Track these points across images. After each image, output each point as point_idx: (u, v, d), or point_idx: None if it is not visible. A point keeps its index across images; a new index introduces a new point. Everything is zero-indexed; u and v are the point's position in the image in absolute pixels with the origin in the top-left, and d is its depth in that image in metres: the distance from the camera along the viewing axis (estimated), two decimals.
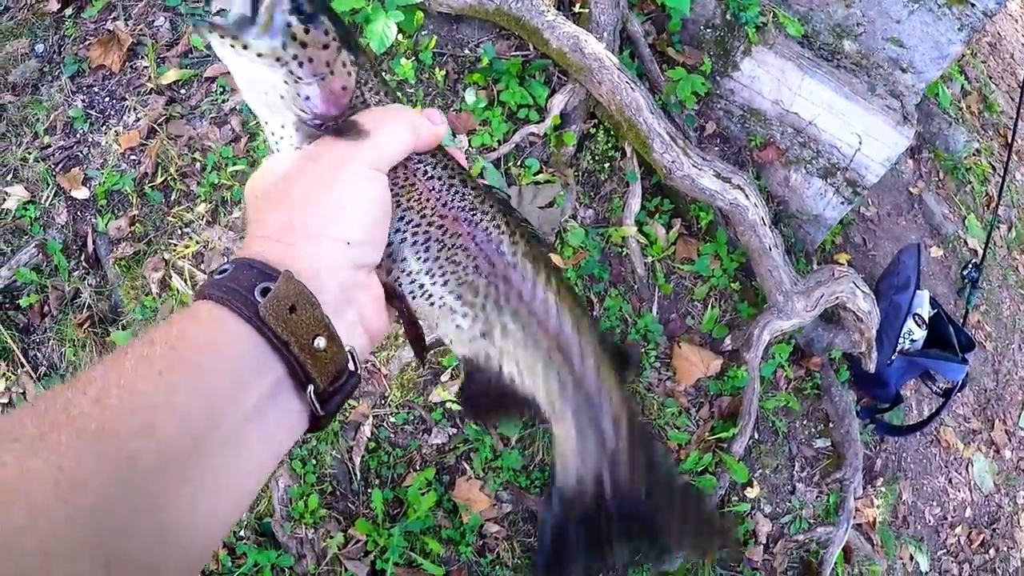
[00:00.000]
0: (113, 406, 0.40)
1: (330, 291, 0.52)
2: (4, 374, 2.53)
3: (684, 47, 2.93)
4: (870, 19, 3.11)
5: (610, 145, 2.61)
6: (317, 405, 0.49)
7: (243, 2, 0.55)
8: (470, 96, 2.49)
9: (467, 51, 2.58)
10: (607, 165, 2.61)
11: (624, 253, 2.57)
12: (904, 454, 3.11)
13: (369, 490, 2.34)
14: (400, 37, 2.51)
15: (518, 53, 2.58)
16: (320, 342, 0.49)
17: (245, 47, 0.56)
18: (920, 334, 2.95)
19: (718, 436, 2.56)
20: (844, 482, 2.82)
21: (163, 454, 0.41)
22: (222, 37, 0.56)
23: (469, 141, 2.48)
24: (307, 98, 0.58)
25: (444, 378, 2.37)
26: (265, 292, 0.48)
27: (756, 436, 2.70)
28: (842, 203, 3.07)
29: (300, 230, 0.52)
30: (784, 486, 2.73)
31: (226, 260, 0.51)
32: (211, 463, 0.43)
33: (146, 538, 0.39)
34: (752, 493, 2.64)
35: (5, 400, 2.52)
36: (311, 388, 0.49)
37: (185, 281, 2.41)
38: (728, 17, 2.98)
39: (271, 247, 0.52)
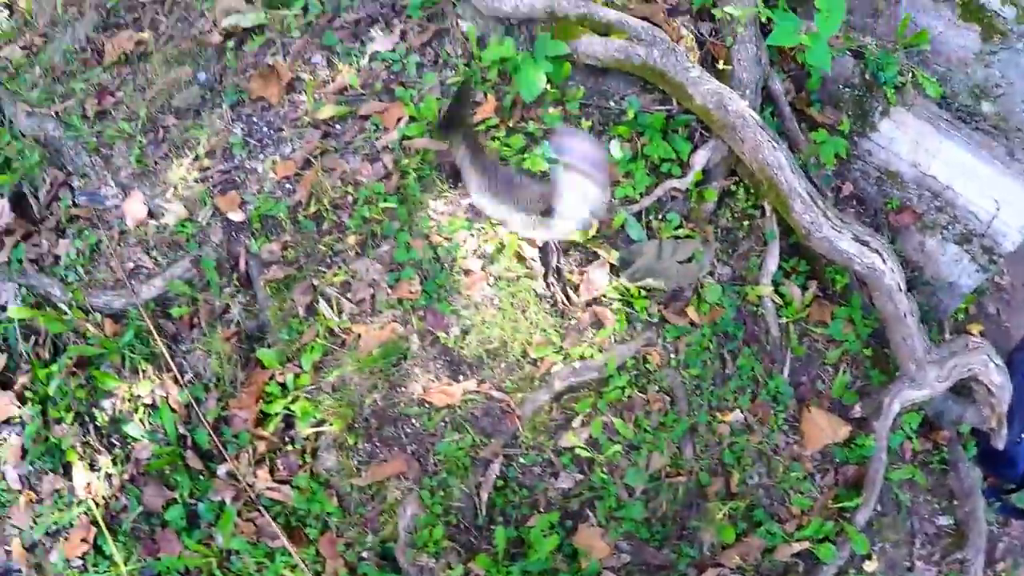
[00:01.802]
0: None
1: None
2: (151, 377, 2.68)
3: (823, 106, 2.92)
4: (1009, 80, 3.04)
5: (750, 203, 2.62)
6: None
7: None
8: (615, 149, 2.53)
9: (612, 103, 2.63)
10: (746, 223, 2.62)
11: (759, 312, 2.58)
12: None
13: (493, 527, 2.39)
14: (549, 87, 2.58)
15: (662, 107, 2.62)
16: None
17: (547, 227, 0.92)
18: None
19: (841, 505, 2.53)
20: (965, 563, 2.73)
21: None
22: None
23: (612, 193, 2.52)
24: None
25: (575, 424, 2.41)
26: None
27: (878, 508, 2.64)
28: (977, 271, 2.99)
29: None
30: (903, 562, 2.67)
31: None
32: None
33: None
34: (870, 567, 2.59)
35: (149, 401, 2.67)
36: None
37: (332, 308, 2.51)
38: (867, 77, 2.96)
39: None
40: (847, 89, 2.97)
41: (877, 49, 2.97)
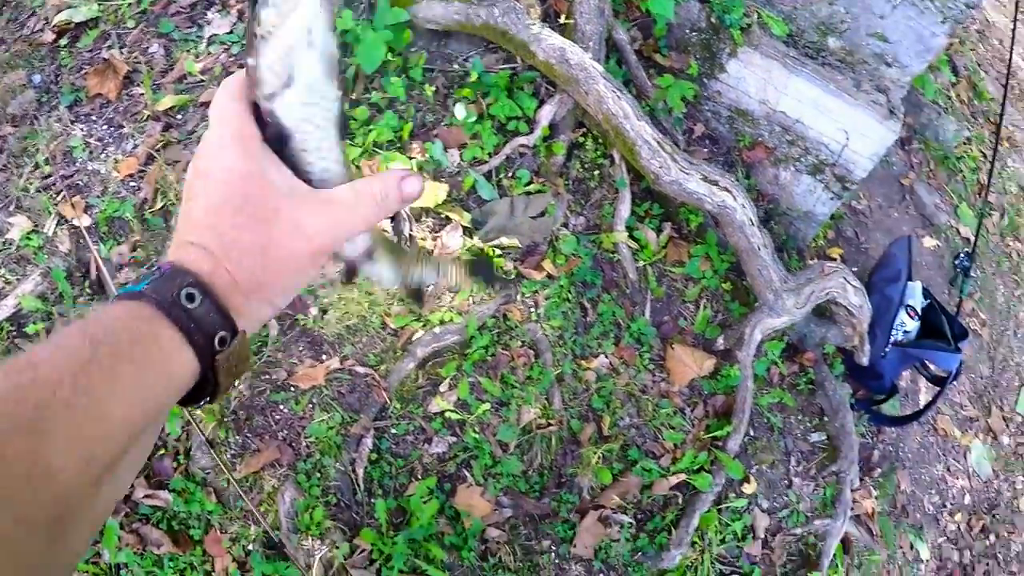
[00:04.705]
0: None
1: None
2: None
3: (670, 52, 2.97)
4: (854, 16, 3.14)
5: (599, 153, 2.66)
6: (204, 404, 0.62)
7: None
8: (460, 111, 2.53)
9: (456, 66, 2.63)
10: (596, 173, 2.66)
11: (616, 259, 2.63)
12: (901, 444, 3.16)
13: (372, 500, 2.40)
14: (390, 55, 2.56)
15: (506, 66, 2.63)
16: (237, 382, 0.59)
17: None
18: (913, 325, 2.99)
19: (713, 435, 2.61)
20: (840, 474, 2.86)
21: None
22: None
23: (460, 155, 2.53)
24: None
25: (443, 388, 2.43)
26: (223, 341, 0.58)
27: (751, 433, 2.75)
28: (832, 198, 3.11)
29: (263, 293, 0.61)
30: (781, 481, 2.78)
31: (190, 277, 0.56)
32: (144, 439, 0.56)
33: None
34: (749, 489, 2.69)
35: None
36: (207, 399, 0.61)
37: None
38: (713, 20, 3.02)
39: (234, 293, 0.59)
40: (694, 33, 3.03)
41: None
